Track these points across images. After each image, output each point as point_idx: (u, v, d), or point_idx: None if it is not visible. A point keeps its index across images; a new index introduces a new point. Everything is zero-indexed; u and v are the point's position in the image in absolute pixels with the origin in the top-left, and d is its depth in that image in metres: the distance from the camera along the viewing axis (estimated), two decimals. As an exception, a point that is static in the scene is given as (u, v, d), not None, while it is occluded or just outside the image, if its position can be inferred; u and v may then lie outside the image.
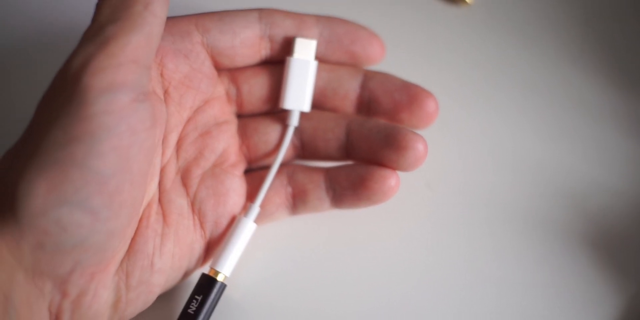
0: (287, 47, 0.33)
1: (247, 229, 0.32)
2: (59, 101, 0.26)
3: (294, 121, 0.34)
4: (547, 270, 0.35)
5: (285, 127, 0.34)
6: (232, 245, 0.32)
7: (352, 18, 0.35)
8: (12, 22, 0.40)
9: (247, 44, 0.33)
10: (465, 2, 0.43)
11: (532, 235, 0.35)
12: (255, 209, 0.32)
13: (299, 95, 0.33)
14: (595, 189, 0.37)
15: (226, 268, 0.31)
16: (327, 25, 0.34)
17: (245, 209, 0.33)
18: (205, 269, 0.32)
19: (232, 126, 0.34)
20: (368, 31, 0.34)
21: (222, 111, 0.34)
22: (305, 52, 0.33)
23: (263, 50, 0.33)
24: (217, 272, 0.31)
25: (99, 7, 0.28)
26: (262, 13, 0.33)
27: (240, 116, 0.35)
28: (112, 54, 0.26)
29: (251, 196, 0.33)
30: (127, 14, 0.27)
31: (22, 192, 0.25)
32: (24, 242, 0.26)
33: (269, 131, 0.34)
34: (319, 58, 0.34)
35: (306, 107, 0.34)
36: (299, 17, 0.33)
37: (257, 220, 0.33)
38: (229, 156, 0.33)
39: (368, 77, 0.34)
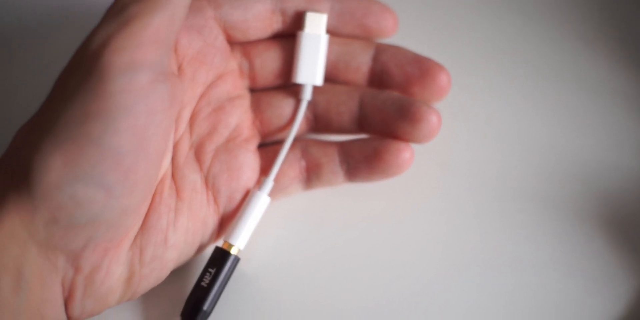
0: (298, 21, 0.33)
1: (261, 202, 0.32)
2: (78, 78, 0.26)
3: (307, 95, 0.33)
4: (561, 250, 0.34)
5: (298, 101, 0.34)
6: (246, 219, 0.32)
7: None
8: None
9: (259, 17, 0.32)
10: None
11: (545, 215, 0.35)
12: (270, 182, 0.32)
13: (311, 69, 0.33)
14: (606, 168, 0.36)
15: (240, 241, 0.31)
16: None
17: (259, 184, 0.33)
18: (219, 243, 0.32)
19: (245, 101, 0.34)
20: (380, 4, 0.33)
21: (235, 86, 0.33)
22: (316, 26, 0.33)
23: (275, 24, 0.33)
24: (230, 245, 0.31)
25: None
26: None
27: (253, 90, 0.34)
28: (134, 34, 0.26)
29: (265, 171, 0.33)
30: None
31: (37, 165, 0.26)
32: (37, 216, 0.26)
33: (282, 105, 0.34)
34: (331, 32, 0.33)
35: (319, 81, 0.33)
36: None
37: (271, 194, 0.33)
38: (242, 131, 0.33)
39: (380, 50, 0.34)
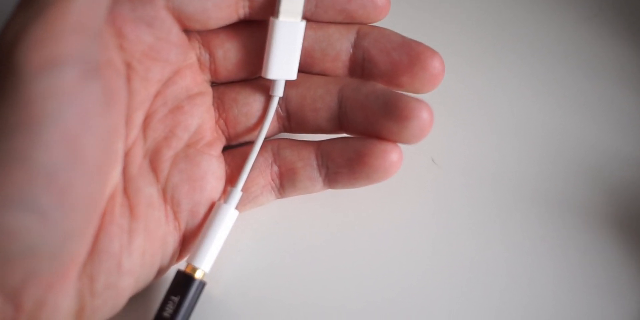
0: (268, 5, 0.29)
1: (228, 217, 0.28)
2: None
3: (278, 91, 0.30)
4: (566, 253, 0.32)
5: (268, 97, 0.30)
6: (212, 237, 0.28)
7: None
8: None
9: (222, 5, 0.28)
10: None
11: (547, 213, 0.33)
12: (237, 193, 0.29)
13: (284, 62, 0.29)
14: (613, 159, 0.34)
15: (205, 263, 0.28)
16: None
17: (225, 195, 0.29)
18: (182, 264, 0.28)
19: (207, 98, 0.30)
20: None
21: (195, 81, 0.29)
22: (291, 12, 0.29)
23: (240, 10, 0.29)
24: (195, 268, 0.28)
25: None
26: None
27: (215, 84, 0.31)
28: (52, 23, 0.22)
29: (232, 179, 0.30)
30: None
31: None
32: None
33: (250, 102, 0.30)
34: (308, 18, 0.29)
35: (293, 75, 0.30)
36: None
37: (240, 205, 0.29)
38: (204, 133, 0.29)
39: (362, 34, 0.30)
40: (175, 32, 0.28)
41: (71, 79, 0.22)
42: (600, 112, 0.35)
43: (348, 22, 0.30)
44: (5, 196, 0.22)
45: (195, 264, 0.28)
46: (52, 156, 0.22)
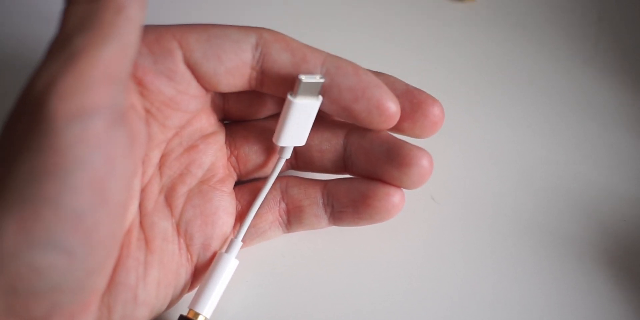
0: (283, 82, 0.29)
1: (229, 266, 0.29)
2: (24, 128, 0.23)
3: (286, 154, 0.30)
4: (561, 284, 0.33)
5: (277, 158, 0.31)
6: (213, 285, 0.29)
7: (357, 15, 0.31)
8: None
9: (234, 73, 0.28)
10: None
11: (542, 248, 0.33)
12: (237, 244, 0.30)
13: (296, 133, 0.30)
14: (608, 196, 0.35)
15: (207, 309, 0.29)
16: (332, 72, 0.28)
17: (236, 229, 0.30)
18: (184, 311, 0.30)
19: (220, 137, 0.31)
20: (381, 89, 0.29)
21: (209, 122, 0.31)
22: (309, 93, 0.28)
23: (253, 81, 0.29)
24: (197, 314, 0.29)
25: (65, 13, 0.24)
26: (261, 40, 0.28)
27: (226, 120, 0.32)
28: (82, 72, 0.23)
29: (242, 214, 0.31)
30: (97, 22, 0.23)
31: None
32: None
33: (260, 140, 0.31)
34: None
35: (302, 142, 0.30)
36: (301, 53, 0.28)
37: (248, 239, 0.31)
38: (217, 170, 0.31)
39: None
40: (194, 86, 0.29)
41: (99, 127, 0.23)
42: (596, 151, 0.36)
43: (349, 121, 0.30)
44: (34, 237, 0.23)
45: (197, 309, 0.29)
46: (79, 200, 0.23)
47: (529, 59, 0.39)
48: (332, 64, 0.28)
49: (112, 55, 0.23)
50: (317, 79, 0.27)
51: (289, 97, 0.28)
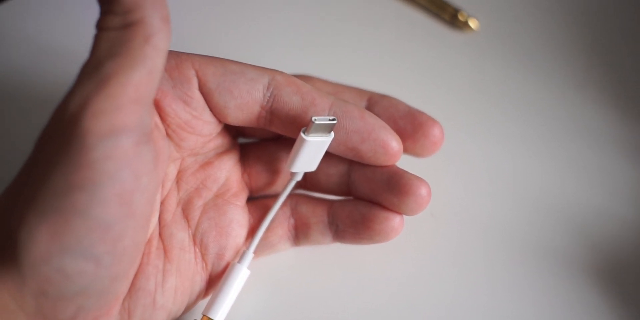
0: (291, 123, 0.30)
1: (241, 276, 0.31)
2: (58, 143, 0.25)
3: (298, 177, 0.32)
4: (552, 300, 0.34)
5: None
6: (226, 293, 0.31)
7: (359, 48, 0.33)
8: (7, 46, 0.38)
9: (244, 109, 0.30)
10: (471, 28, 0.43)
11: (536, 263, 0.35)
12: (249, 255, 0.31)
13: (309, 161, 0.31)
14: (600, 217, 0.36)
15: (219, 316, 0.31)
16: (339, 115, 0.30)
17: (248, 241, 0.32)
18: (198, 317, 0.31)
19: (234, 154, 0.33)
20: (386, 130, 0.30)
21: (224, 141, 0.33)
22: (321, 131, 0.29)
23: (262, 120, 0.31)
24: None
25: (97, 40, 0.26)
26: (273, 81, 0.30)
27: (240, 137, 0.34)
28: (113, 95, 0.24)
29: (254, 227, 0.33)
30: (127, 49, 0.25)
31: (23, 240, 0.25)
32: (26, 289, 0.25)
33: (272, 161, 0.33)
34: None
35: (314, 168, 0.32)
36: (310, 97, 0.30)
37: (259, 251, 0.32)
38: (231, 185, 0.32)
39: (373, 101, 0.33)
40: (208, 113, 0.30)
41: (128, 145, 0.24)
42: (588, 172, 0.37)
43: (356, 160, 0.31)
44: (65, 244, 0.24)
45: (211, 315, 0.30)
46: (108, 211, 0.25)
47: (526, 84, 0.41)
48: (339, 108, 0.30)
49: (140, 79, 0.25)
50: (329, 120, 0.29)
51: (302, 135, 0.29)
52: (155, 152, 0.26)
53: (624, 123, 0.39)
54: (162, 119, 0.29)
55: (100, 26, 0.26)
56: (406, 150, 0.33)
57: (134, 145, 0.25)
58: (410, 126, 0.32)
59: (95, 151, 0.24)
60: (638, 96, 0.40)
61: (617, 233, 0.36)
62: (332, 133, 0.30)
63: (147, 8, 0.25)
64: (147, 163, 0.26)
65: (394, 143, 0.30)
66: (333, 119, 0.29)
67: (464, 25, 0.43)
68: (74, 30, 0.41)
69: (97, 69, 0.25)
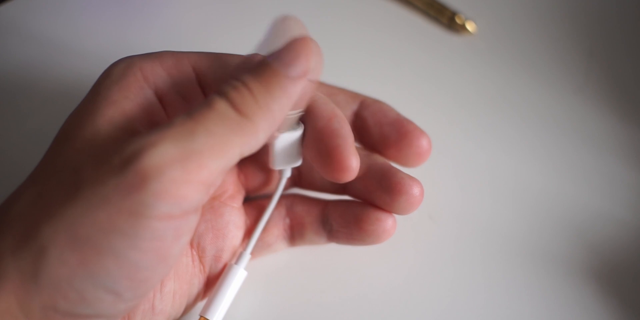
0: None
1: (238, 276, 0.31)
2: (111, 175, 0.24)
3: (286, 173, 0.32)
4: (550, 302, 0.34)
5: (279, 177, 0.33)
6: (223, 294, 0.31)
7: (357, 50, 0.33)
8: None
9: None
10: (468, 31, 0.43)
11: (533, 266, 0.35)
12: (246, 256, 0.32)
13: (288, 157, 0.31)
14: (598, 219, 0.36)
15: (217, 316, 0.31)
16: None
17: (244, 242, 0.32)
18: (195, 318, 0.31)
19: None
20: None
21: None
22: (288, 126, 0.30)
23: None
24: None
25: (210, 100, 0.26)
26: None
27: None
28: (190, 171, 0.24)
29: (250, 228, 0.33)
30: (225, 136, 0.25)
31: (51, 256, 0.24)
32: (37, 299, 0.25)
33: (266, 160, 0.33)
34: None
35: (298, 162, 0.31)
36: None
37: (256, 251, 0.33)
38: (227, 187, 0.33)
39: (364, 105, 0.33)
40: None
41: (180, 213, 0.25)
42: (587, 176, 0.37)
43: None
44: (92, 274, 0.24)
45: (208, 316, 0.30)
46: (142, 258, 0.25)
47: (524, 87, 0.41)
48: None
49: (218, 168, 0.25)
50: (293, 113, 0.29)
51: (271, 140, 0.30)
52: (197, 217, 0.27)
53: (623, 126, 0.39)
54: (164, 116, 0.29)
55: (222, 91, 0.26)
56: (390, 159, 0.32)
57: (184, 213, 0.25)
58: (395, 134, 0.32)
59: (153, 210, 0.24)
60: (637, 100, 0.40)
61: (615, 236, 0.36)
62: (302, 124, 0.30)
63: (266, 113, 0.26)
64: (190, 229, 0.26)
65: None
66: (298, 112, 0.29)
67: (462, 28, 0.43)
68: (75, 29, 0.40)
69: (189, 136, 0.25)
